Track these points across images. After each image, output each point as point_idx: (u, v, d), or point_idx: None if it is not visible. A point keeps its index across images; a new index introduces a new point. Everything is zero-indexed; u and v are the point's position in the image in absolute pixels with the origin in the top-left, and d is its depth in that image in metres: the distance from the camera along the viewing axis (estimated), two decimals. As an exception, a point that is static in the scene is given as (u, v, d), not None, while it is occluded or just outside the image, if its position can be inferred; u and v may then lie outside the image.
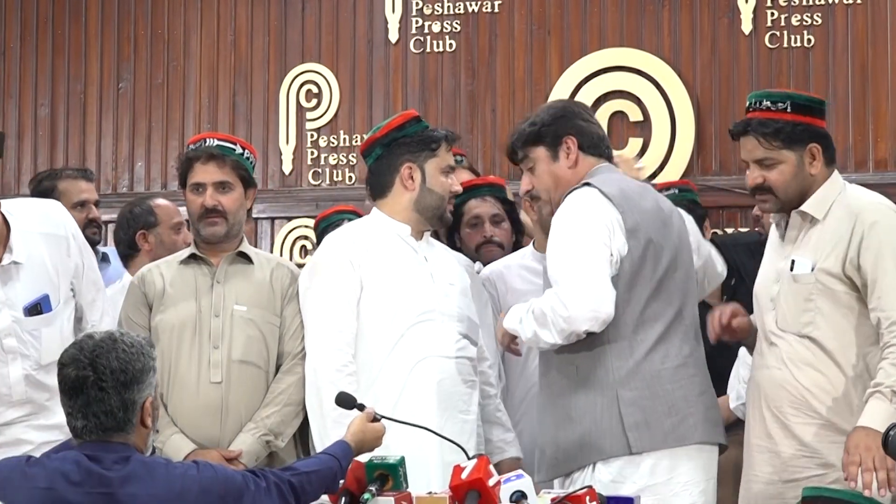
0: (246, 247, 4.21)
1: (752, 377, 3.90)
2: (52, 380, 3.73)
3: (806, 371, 3.71)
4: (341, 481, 3.23)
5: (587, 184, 3.77)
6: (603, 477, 3.65)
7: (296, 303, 4.12)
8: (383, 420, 3.46)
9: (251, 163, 4.22)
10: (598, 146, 3.90)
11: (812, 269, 3.73)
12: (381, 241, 4.04)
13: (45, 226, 3.95)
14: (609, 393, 3.70)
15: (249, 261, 4.18)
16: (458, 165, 4.52)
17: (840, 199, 3.80)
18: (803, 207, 3.79)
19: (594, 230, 3.68)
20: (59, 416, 3.70)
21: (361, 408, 3.46)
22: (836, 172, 3.86)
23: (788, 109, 3.78)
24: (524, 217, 4.76)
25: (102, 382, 2.95)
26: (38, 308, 3.93)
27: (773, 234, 3.93)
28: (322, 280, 4.01)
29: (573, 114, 3.92)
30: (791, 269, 3.76)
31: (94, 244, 5.14)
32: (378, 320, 3.96)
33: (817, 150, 3.80)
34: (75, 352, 2.99)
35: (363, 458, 3.29)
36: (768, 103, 3.79)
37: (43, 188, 5.33)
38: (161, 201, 5.33)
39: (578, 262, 3.66)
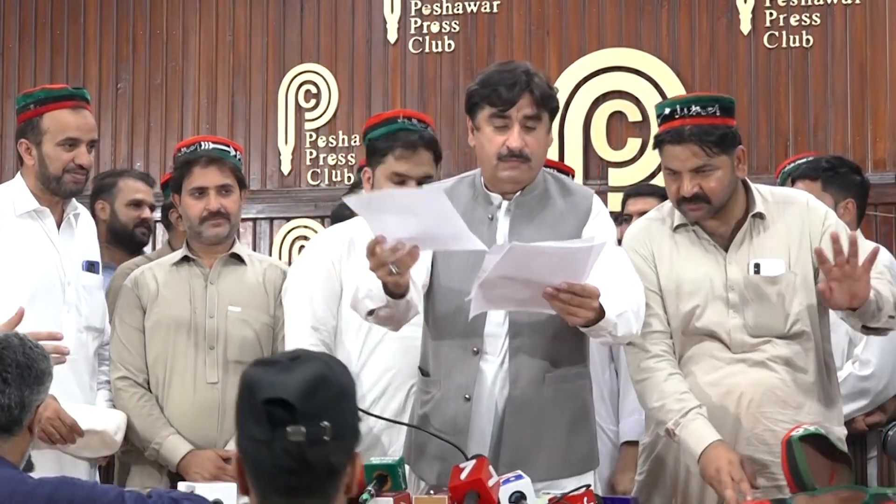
0: (238, 247, 4.22)
1: (714, 383, 3.71)
2: (90, 347, 3.88)
3: (788, 371, 3.66)
4: None
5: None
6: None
7: None
8: (373, 418, 3.50)
9: (241, 164, 4.26)
10: None
11: (789, 268, 3.67)
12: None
13: (89, 219, 4.33)
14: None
15: (242, 261, 4.19)
16: None
17: (767, 196, 3.75)
18: (759, 209, 3.71)
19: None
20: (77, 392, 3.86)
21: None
22: None
23: (718, 113, 3.63)
24: None
25: (6, 374, 2.87)
26: (92, 267, 4.08)
27: (678, 238, 3.77)
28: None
29: None
30: (757, 272, 3.67)
31: (142, 244, 5.24)
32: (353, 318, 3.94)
33: (743, 153, 3.69)
34: None
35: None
36: (698, 108, 3.62)
37: (105, 184, 5.42)
38: None
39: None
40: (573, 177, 4.79)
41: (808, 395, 3.68)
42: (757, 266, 3.68)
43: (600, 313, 3.30)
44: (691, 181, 3.63)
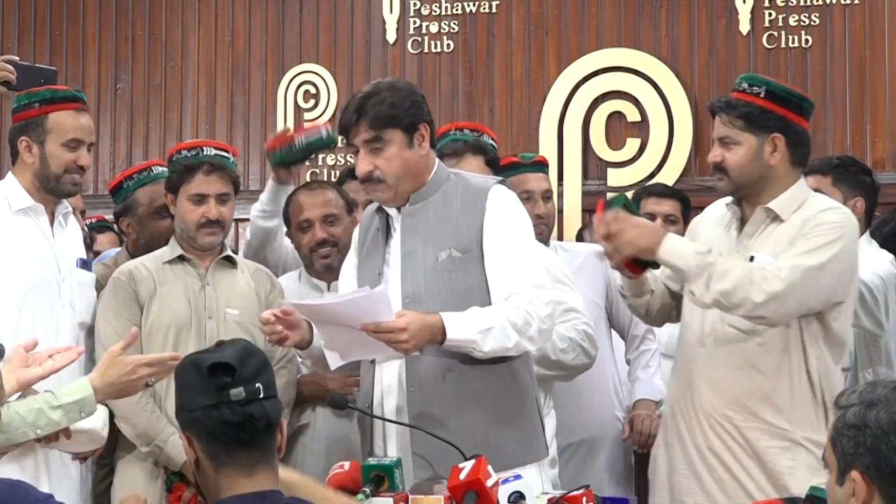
0: (229, 250, 4.22)
1: (677, 368, 3.80)
2: (84, 345, 3.90)
3: (748, 373, 3.66)
4: None
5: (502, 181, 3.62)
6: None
7: (277, 307, 4.10)
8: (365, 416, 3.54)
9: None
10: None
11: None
12: None
13: (74, 219, 4.25)
14: (532, 396, 3.61)
15: (233, 265, 4.18)
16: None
17: (806, 204, 3.73)
18: (771, 205, 3.71)
19: (532, 233, 3.63)
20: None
21: (351, 407, 3.51)
22: (803, 178, 3.80)
23: (762, 95, 3.71)
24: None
25: None
26: (85, 265, 4.19)
27: (721, 211, 3.86)
28: None
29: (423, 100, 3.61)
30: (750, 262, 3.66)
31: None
32: None
33: (780, 141, 3.70)
34: None
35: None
36: (746, 85, 3.74)
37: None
38: None
39: (540, 265, 3.57)
40: (548, 167, 4.82)
41: (757, 396, 3.67)
42: (751, 259, 3.67)
43: (443, 335, 3.33)
44: (717, 150, 3.75)
